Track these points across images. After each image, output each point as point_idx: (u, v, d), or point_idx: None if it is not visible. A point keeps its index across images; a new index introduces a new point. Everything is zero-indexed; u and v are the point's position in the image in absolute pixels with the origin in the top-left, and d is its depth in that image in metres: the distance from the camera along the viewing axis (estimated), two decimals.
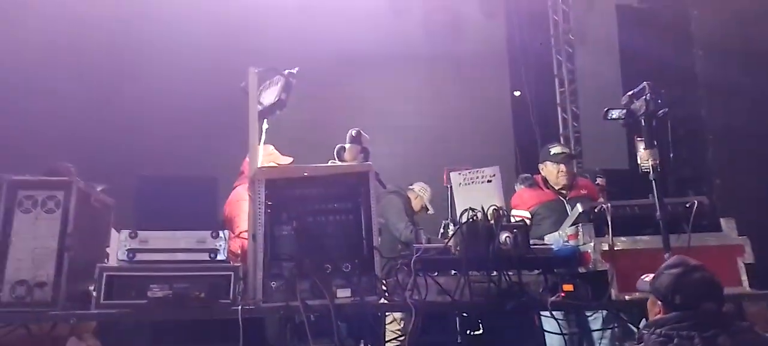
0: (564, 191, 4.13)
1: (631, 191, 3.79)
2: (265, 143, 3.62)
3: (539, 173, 4.33)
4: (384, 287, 2.50)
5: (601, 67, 8.27)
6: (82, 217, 2.44)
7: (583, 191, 4.17)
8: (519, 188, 5.08)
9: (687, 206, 2.70)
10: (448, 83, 7.97)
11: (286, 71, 2.91)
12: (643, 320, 2.91)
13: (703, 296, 1.89)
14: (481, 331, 4.01)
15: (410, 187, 5.35)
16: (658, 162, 2.74)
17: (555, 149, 4.20)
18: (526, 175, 5.53)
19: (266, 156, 3.73)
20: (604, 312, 3.57)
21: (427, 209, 5.31)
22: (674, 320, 1.87)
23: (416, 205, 5.25)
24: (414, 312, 2.34)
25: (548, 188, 4.18)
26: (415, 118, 7.94)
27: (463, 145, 7.80)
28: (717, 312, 1.87)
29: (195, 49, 6.72)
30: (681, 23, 7.32)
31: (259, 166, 2.81)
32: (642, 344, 1.91)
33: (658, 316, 1.95)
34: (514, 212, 4.15)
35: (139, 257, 2.38)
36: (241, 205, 3.40)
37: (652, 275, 2.07)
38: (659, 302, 1.97)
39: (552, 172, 4.14)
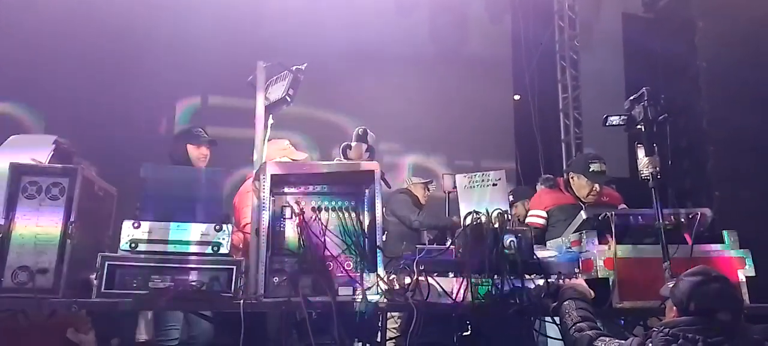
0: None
1: (632, 200, 3.77)
2: (278, 138, 3.62)
3: (562, 176, 4.20)
4: (386, 286, 2.49)
5: (604, 75, 8.28)
6: (86, 205, 2.43)
7: (605, 198, 3.98)
8: (540, 188, 5.04)
9: (690, 216, 2.70)
10: (452, 84, 7.96)
11: (294, 67, 2.89)
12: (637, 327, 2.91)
13: (718, 306, 1.89)
14: (468, 332, 3.99)
15: (405, 186, 5.38)
16: (658, 169, 2.72)
17: (595, 167, 3.89)
18: (548, 176, 5.51)
19: (280, 150, 3.71)
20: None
21: (429, 185, 5.35)
22: (684, 323, 1.89)
23: (419, 192, 5.27)
24: (415, 313, 2.34)
25: (568, 192, 4.03)
26: (417, 119, 7.93)
27: (464, 147, 7.82)
28: (731, 323, 1.87)
29: (203, 43, 6.71)
30: (686, 34, 7.33)
31: (272, 160, 2.79)
32: (649, 339, 1.92)
33: (672, 318, 1.97)
34: (531, 212, 4.12)
35: (142, 247, 2.38)
36: (249, 196, 3.37)
37: None
38: (675, 308, 1.98)
39: (584, 187, 3.92)
